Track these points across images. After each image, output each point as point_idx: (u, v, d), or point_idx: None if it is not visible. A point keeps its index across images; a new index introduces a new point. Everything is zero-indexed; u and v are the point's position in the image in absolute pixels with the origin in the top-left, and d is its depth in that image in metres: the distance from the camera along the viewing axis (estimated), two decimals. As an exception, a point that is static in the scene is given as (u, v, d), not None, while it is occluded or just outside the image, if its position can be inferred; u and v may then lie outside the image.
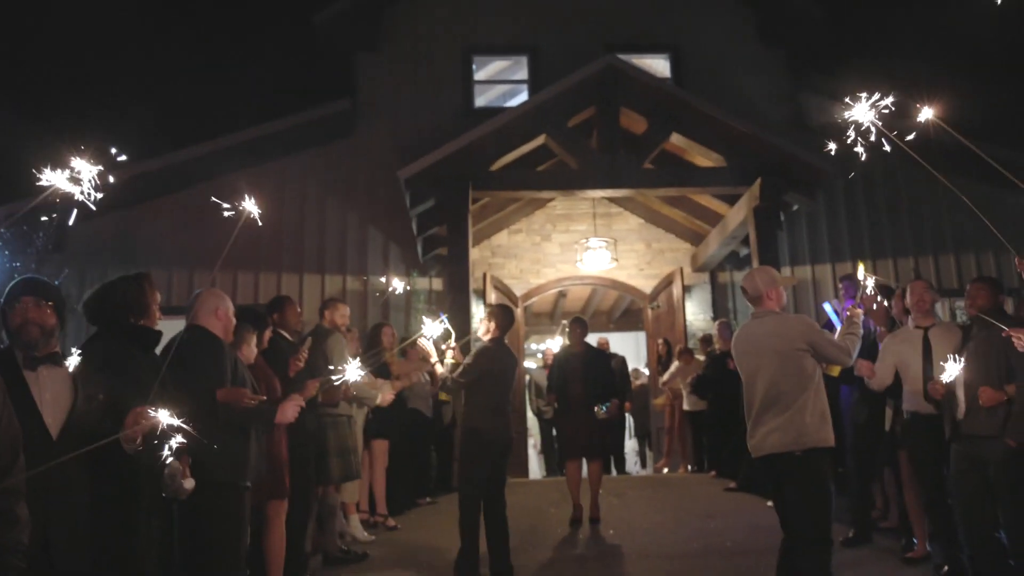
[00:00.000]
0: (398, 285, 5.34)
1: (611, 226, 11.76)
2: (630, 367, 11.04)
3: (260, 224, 3.23)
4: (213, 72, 13.58)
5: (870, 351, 5.27)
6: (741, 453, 7.66)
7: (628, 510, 7.21)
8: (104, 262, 9.44)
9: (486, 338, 5.67)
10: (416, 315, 10.41)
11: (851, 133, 3.28)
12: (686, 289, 11.24)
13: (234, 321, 3.85)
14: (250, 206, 2.98)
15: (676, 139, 9.62)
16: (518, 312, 10.81)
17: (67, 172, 2.29)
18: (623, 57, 9.81)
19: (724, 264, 11.40)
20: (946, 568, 4.82)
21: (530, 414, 11.32)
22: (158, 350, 3.43)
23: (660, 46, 11.92)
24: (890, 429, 5.53)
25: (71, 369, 2.79)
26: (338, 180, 11.01)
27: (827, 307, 4.30)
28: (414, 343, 7.45)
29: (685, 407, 9.64)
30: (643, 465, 12.43)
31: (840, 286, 6.35)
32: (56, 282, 3.04)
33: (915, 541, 5.33)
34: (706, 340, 9.97)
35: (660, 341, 11.09)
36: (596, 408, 6.70)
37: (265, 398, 3.77)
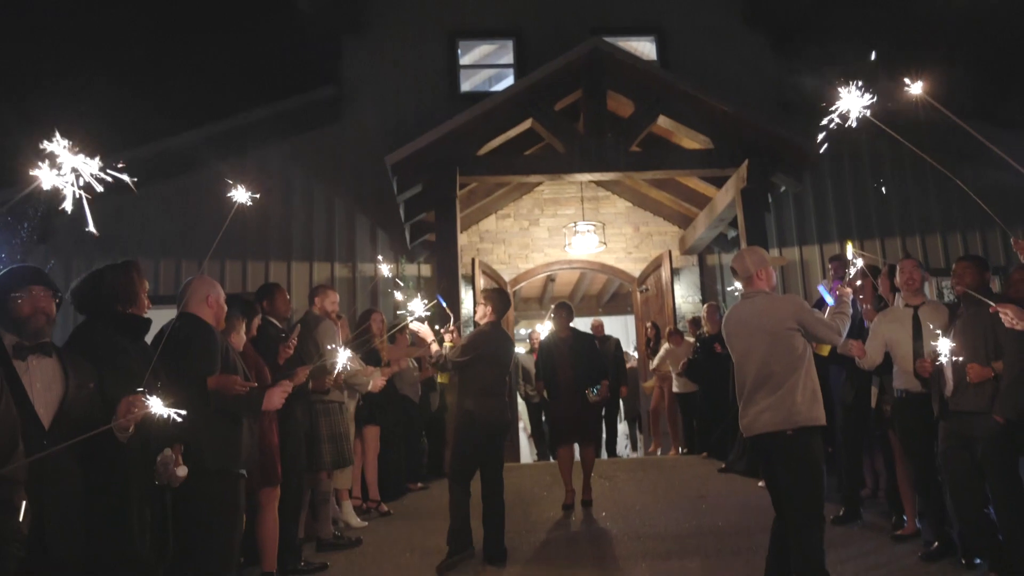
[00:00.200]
0: (386, 270, 5.33)
1: (599, 210, 11.76)
2: (620, 350, 11.08)
3: (249, 209, 3.20)
4: (196, 59, 13.45)
5: (857, 331, 5.30)
6: (732, 434, 7.75)
7: (620, 492, 7.24)
8: (89, 252, 9.36)
9: (483, 321, 5.67)
10: (405, 301, 10.38)
11: (836, 118, 3.27)
12: (674, 272, 11.26)
13: (225, 309, 3.83)
14: (242, 194, 2.92)
15: (663, 122, 9.61)
16: (507, 297, 10.79)
17: (53, 164, 2.24)
18: (609, 40, 9.77)
19: (712, 246, 11.43)
20: (935, 544, 4.88)
21: (519, 399, 11.34)
22: (148, 338, 3.41)
23: (645, 28, 11.90)
24: (876, 407, 5.58)
25: (60, 358, 2.77)
26: (324, 167, 10.96)
27: (821, 288, 4.32)
28: (402, 330, 7.47)
29: (675, 389, 9.68)
30: (634, 448, 12.49)
31: (829, 267, 6.39)
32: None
33: (904, 518, 5.41)
34: (695, 323, 10.00)
35: (648, 324, 11.13)
36: (587, 391, 6.71)
37: (256, 385, 3.75)
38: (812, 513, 3.84)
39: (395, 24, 11.61)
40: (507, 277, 11.29)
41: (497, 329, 5.67)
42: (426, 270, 10.97)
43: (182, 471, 3.04)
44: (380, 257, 5.80)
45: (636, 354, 12.09)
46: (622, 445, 12.41)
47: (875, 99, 3.23)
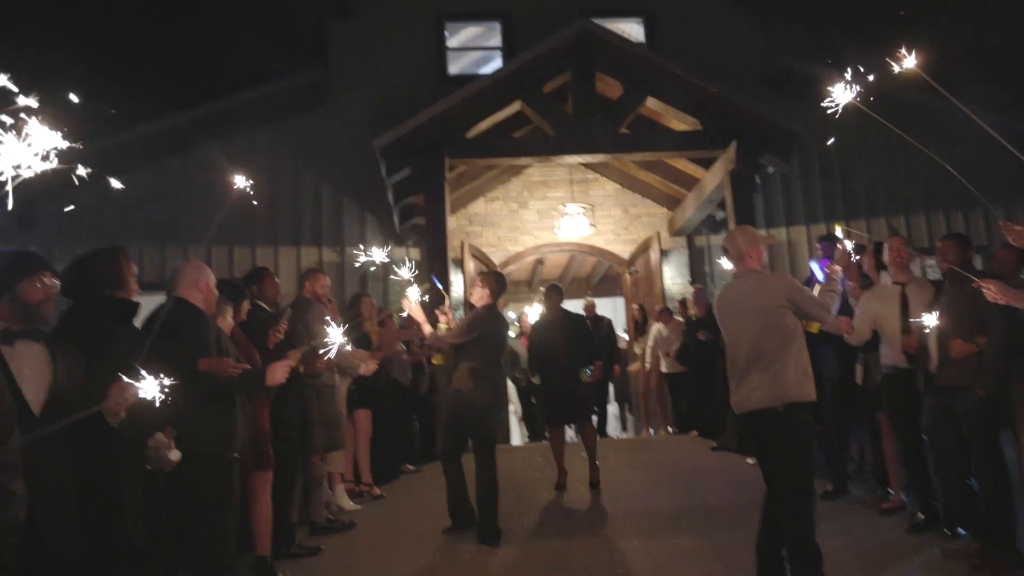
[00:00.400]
0: (379, 255, 5.34)
1: (588, 192, 11.76)
2: (609, 332, 11.10)
3: (236, 193, 3.20)
4: (180, 41, 13.30)
5: (842, 308, 5.35)
6: (723, 413, 7.80)
7: (611, 472, 7.28)
8: (72, 239, 9.28)
9: (480, 304, 5.69)
10: (394, 285, 10.37)
11: (833, 105, 3.28)
12: (663, 254, 11.29)
13: (216, 293, 3.82)
14: (242, 181, 2.91)
15: (652, 103, 9.61)
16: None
17: (36, 145, 2.20)
18: (597, 22, 9.73)
19: (701, 228, 11.46)
20: (921, 516, 4.98)
21: (509, 382, 11.38)
22: (137, 323, 3.40)
23: (634, 10, 11.86)
24: (861, 384, 5.64)
25: (47, 344, 2.75)
26: (311, 151, 10.89)
27: (813, 265, 4.38)
28: (390, 315, 7.47)
29: (664, 369, 9.72)
30: (623, 429, 12.55)
31: (818, 247, 6.42)
32: None
33: (891, 492, 5.52)
34: (683, 304, 10.04)
35: (635, 306, 11.17)
36: (581, 372, 6.72)
37: (248, 367, 3.75)
38: (803, 488, 3.89)
39: (381, 6, 11.53)
40: (496, 260, 11.29)
41: (494, 311, 5.74)
42: (415, 254, 10.95)
43: (175, 455, 3.04)
44: (371, 243, 5.80)
45: (626, 336, 12.13)
46: (612, 426, 12.48)
47: (864, 84, 3.24)
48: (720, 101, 9.15)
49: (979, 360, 4.31)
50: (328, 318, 5.18)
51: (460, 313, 9.22)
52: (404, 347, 7.60)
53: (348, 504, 6.22)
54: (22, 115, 2.10)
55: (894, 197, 11.17)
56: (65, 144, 2.13)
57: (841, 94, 3.31)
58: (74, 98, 2.27)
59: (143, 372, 2.61)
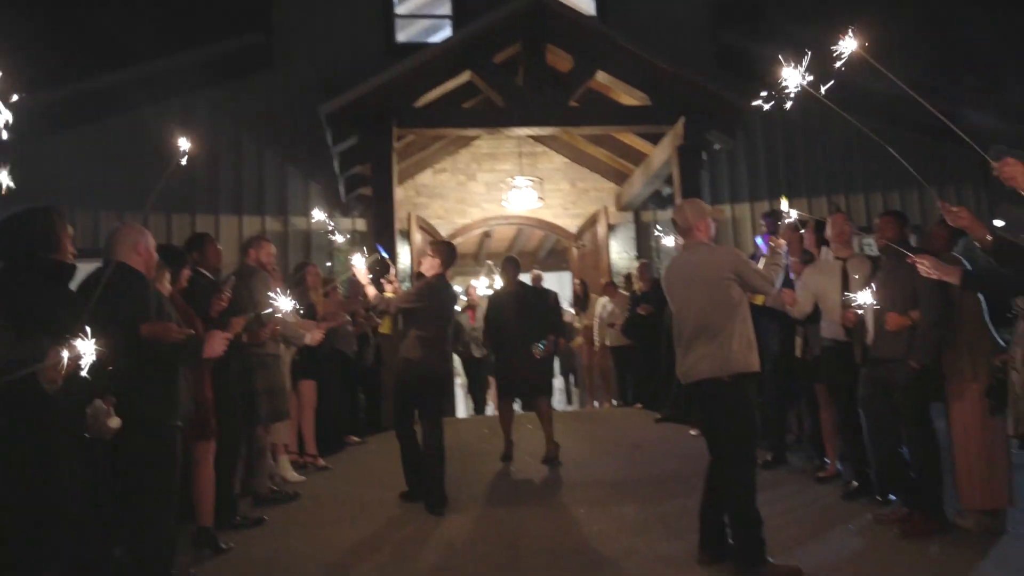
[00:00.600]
0: (330, 224, 5.29)
1: (536, 165, 11.74)
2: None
3: (174, 158, 3.10)
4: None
5: (784, 282, 5.47)
6: (666, 386, 7.93)
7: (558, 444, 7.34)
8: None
9: (430, 273, 5.66)
10: (339, 256, 10.24)
11: (776, 88, 3.31)
12: (611, 228, 11.38)
13: (156, 257, 3.70)
14: (185, 144, 2.81)
15: (601, 77, 9.61)
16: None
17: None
18: (548, -8, 9.65)
19: (648, 203, 11.55)
20: (854, 484, 5.17)
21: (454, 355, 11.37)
22: (72, 287, 3.26)
23: (585, -18, 11.80)
24: (801, 356, 5.80)
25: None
26: (254, 116, 10.62)
27: (759, 240, 4.47)
28: (335, 285, 7.39)
29: (608, 343, 9.81)
30: (568, 401, 12.67)
31: (762, 223, 6.53)
32: None
33: (827, 461, 5.70)
34: (629, 278, 10.14)
35: (577, 281, 11.24)
36: (534, 346, 6.69)
37: (193, 332, 3.65)
38: (745, 456, 3.99)
39: (327, -32, 11.25)
40: (444, 232, 11.21)
41: (443, 281, 5.72)
42: (361, 224, 10.81)
43: (115, 423, 2.95)
44: (316, 209, 5.71)
45: (572, 310, 12.21)
46: (558, 399, 12.58)
47: (810, 67, 3.27)
48: (669, 76, 9.19)
49: (913, 333, 4.45)
50: (273, 287, 5.09)
51: (406, 284, 9.15)
52: (349, 318, 7.52)
53: (292, 475, 6.15)
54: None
55: (835, 177, 11.41)
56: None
57: (791, 80, 3.34)
58: None
59: (81, 337, 2.51)
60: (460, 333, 10.50)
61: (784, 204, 4.68)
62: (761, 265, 4.31)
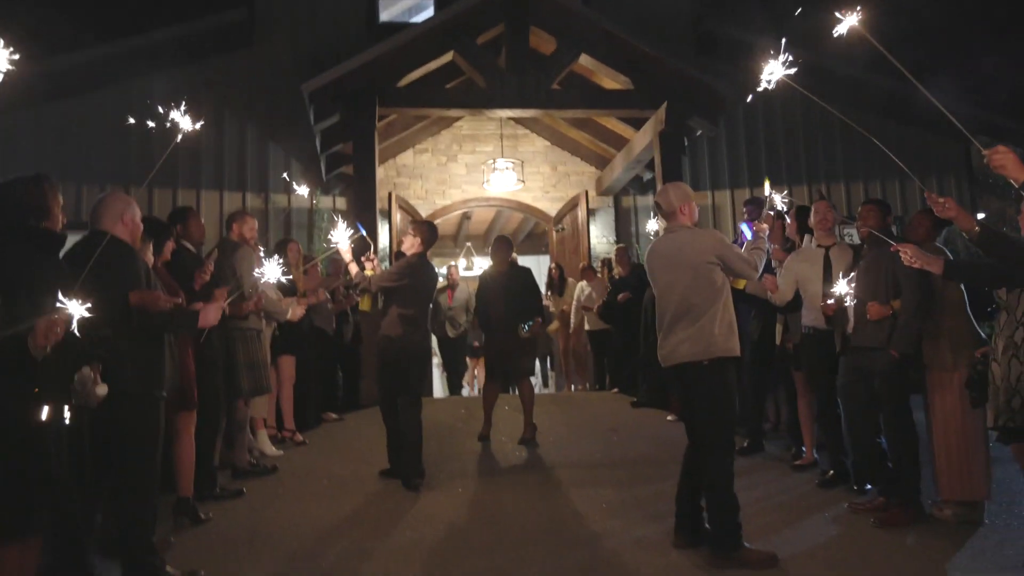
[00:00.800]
0: (305, 194, 5.26)
1: (517, 148, 11.74)
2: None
3: (155, 134, 3.10)
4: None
5: (764, 269, 5.51)
6: (643, 370, 8.00)
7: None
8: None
9: (410, 252, 5.67)
10: (319, 234, 10.19)
11: (761, 77, 3.34)
12: (590, 212, 11.40)
13: (141, 227, 3.67)
14: (186, 122, 2.79)
15: (585, 60, 9.60)
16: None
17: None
18: (533, -26, 9.62)
19: (628, 188, 11.59)
20: (831, 472, 5.21)
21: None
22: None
23: (569, -35, 11.74)
24: (780, 344, 5.85)
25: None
26: (236, 93, 10.50)
27: (743, 227, 4.49)
28: (315, 262, 7.36)
29: (586, 327, 9.86)
30: (545, 385, 12.72)
31: (744, 210, 6.58)
32: None
33: (803, 449, 5.73)
34: (607, 263, 10.18)
35: (553, 265, 11.25)
36: (520, 327, 6.68)
37: (181, 300, 3.64)
38: (723, 441, 4.02)
39: (311, -56, 11.12)
40: (424, 213, 11.19)
41: (424, 260, 5.75)
42: (341, 203, 10.76)
43: (102, 390, 2.94)
44: (296, 185, 5.67)
45: (549, 292, 12.25)
46: (534, 382, 12.63)
47: (795, 55, 3.30)
48: (653, 61, 9.21)
49: (893, 322, 4.49)
50: (256, 261, 5.07)
51: (386, 264, 9.14)
52: (329, 295, 7.50)
53: (270, 449, 6.15)
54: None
55: (816, 166, 11.47)
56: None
57: (775, 69, 3.37)
58: None
59: (70, 305, 2.50)
60: (436, 312, 10.51)
61: (767, 188, 4.72)
62: (744, 250, 4.36)
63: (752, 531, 4.06)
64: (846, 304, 4.58)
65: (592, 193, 11.61)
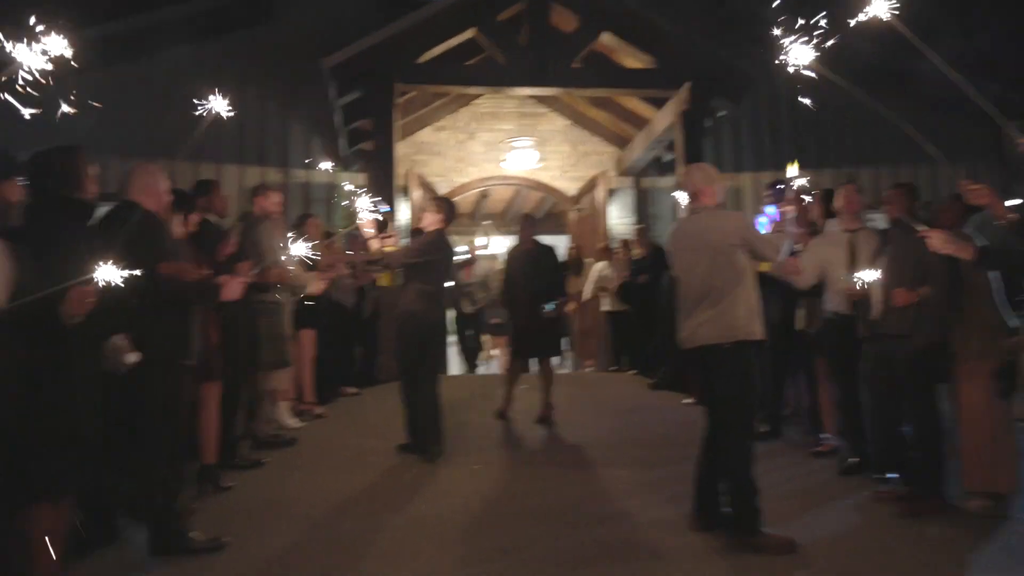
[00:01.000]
0: (329, 168, 5.32)
1: (537, 126, 11.69)
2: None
3: (178, 108, 3.12)
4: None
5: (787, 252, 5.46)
6: (661, 352, 7.99)
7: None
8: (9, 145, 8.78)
9: (431, 228, 5.70)
10: (338, 209, 10.21)
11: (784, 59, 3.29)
12: (610, 193, 11.35)
13: (168, 198, 3.70)
14: (219, 103, 2.80)
15: (606, 39, 9.53)
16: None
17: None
18: (555, -50, 9.53)
19: (648, 169, 11.53)
20: (852, 460, 5.11)
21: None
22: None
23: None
24: (802, 329, 5.80)
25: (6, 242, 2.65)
26: (256, 68, 10.45)
27: (769, 210, 4.44)
28: (335, 237, 7.38)
29: (604, 308, 9.86)
30: (560, 364, 12.73)
31: (767, 193, 6.49)
32: None
33: (824, 436, 5.62)
34: (625, 245, 10.14)
35: (572, 246, 11.23)
36: (544, 307, 6.64)
37: (209, 272, 3.67)
38: (743, 424, 4.00)
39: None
40: (442, 190, 11.15)
41: (444, 237, 5.75)
42: (361, 179, 10.75)
43: (132, 358, 2.98)
44: (321, 163, 5.71)
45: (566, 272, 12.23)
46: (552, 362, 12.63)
47: (821, 37, 3.25)
48: (676, 40, 9.13)
49: (919, 309, 4.42)
50: (278, 235, 5.10)
51: (404, 240, 9.14)
52: (349, 270, 7.53)
53: (290, 421, 6.22)
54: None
55: (843, 149, 11.28)
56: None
57: (801, 52, 3.32)
58: None
59: (102, 274, 2.53)
60: (454, 288, 10.53)
61: (793, 169, 4.65)
62: (768, 232, 4.32)
63: (771, 517, 4.00)
64: (870, 289, 4.54)
65: (611, 173, 11.55)
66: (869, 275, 4.37)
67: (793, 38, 3.29)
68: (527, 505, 4.61)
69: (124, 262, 2.67)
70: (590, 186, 11.47)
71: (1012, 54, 11.09)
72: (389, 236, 5.70)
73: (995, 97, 3.72)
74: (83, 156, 3.08)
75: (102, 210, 3.59)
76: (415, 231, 8.91)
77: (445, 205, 5.87)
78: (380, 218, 5.83)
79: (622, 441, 6.16)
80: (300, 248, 4.39)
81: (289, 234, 6.17)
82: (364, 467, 5.34)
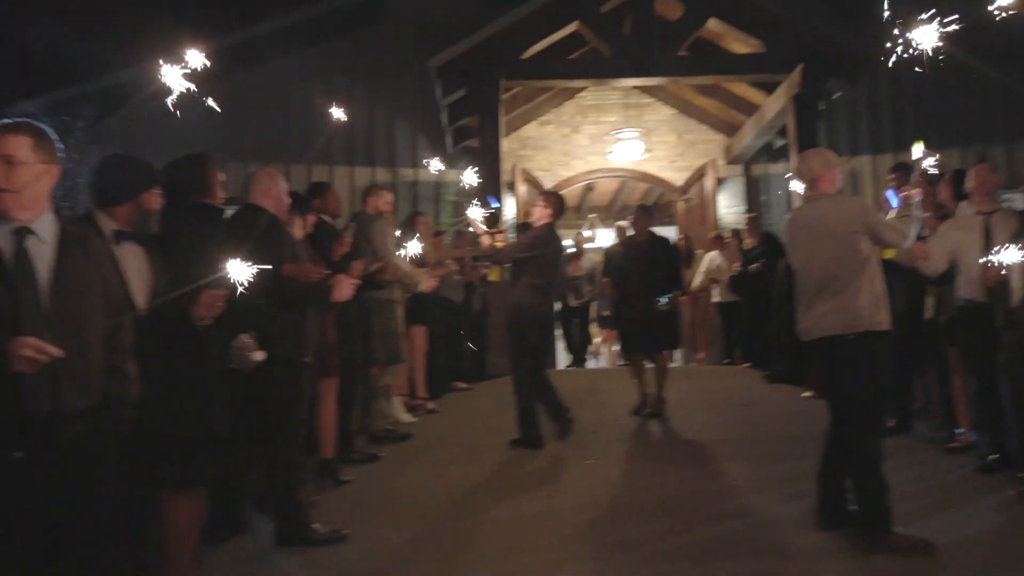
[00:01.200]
0: (437, 165, 5.45)
1: (642, 117, 11.53)
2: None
3: (291, 112, 3.24)
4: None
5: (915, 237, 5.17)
6: (776, 344, 7.73)
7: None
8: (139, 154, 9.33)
9: (540, 222, 5.75)
10: (446, 207, 10.38)
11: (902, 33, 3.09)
12: (719, 182, 11.08)
13: (287, 202, 3.84)
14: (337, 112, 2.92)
15: (712, 24, 9.31)
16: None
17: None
18: (657, -63, 9.36)
19: (759, 156, 11.18)
20: (992, 456, 4.78)
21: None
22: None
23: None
24: (932, 318, 5.46)
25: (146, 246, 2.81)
26: (363, 71, 10.75)
27: (889, 194, 4.20)
28: (442, 235, 7.51)
29: (715, 299, 9.64)
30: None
31: (890, 177, 6.15)
32: None
33: (959, 431, 5.27)
34: (736, 235, 9.87)
35: (681, 237, 11.00)
36: (658, 299, 6.51)
37: (329, 273, 3.80)
38: (870, 418, 3.82)
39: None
40: (547, 185, 11.15)
41: (553, 231, 5.80)
42: (468, 176, 10.86)
43: (259, 356, 3.12)
44: (432, 163, 5.82)
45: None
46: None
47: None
48: (786, 21, 8.81)
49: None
50: (391, 233, 5.22)
51: (512, 236, 9.20)
52: (458, 266, 7.64)
53: (404, 416, 6.36)
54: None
55: (972, 127, 10.43)
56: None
57: (926, 30, 3.12)
58: None
59: (230, 276, 2.64)
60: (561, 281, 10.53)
61: (919, 149, 4.40)
62: (892, 217, 4.12)
63: (901, 516, 3.77)
64: (1009, 274, 4.25)
65: (720, 162, 11.27)
66: (1009, 258, 4.06)
67: (916, 17, 3.09)
68: (643, 501, 4.55)
69: (249, 264, 2.78)
70: (698, 175, 11.23)
71: None
72: (499, 231, 5.75)
73: None
74: (212, 163, 3.24)
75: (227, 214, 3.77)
76: (522, 226, 8.95)
77: (554, 199, 5.91)
78: (490, 214, 5.91)
79: (738, 436, 6.00)
80: (412, 246, 4.49)
81: (399, 232, 6.35)
82: (477, 461, 5.39)
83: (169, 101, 2.33)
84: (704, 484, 4.85)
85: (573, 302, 10.65)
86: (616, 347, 10.10)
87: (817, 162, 4.14)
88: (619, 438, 6.11)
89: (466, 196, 5.56)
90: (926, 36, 3.11)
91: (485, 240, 5.76)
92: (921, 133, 10.30)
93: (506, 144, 10.58)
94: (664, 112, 11.64)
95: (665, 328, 6.72)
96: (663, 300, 6.52)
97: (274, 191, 3.77)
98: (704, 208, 11.12)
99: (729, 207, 11.18)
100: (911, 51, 3.16)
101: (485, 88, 9.00)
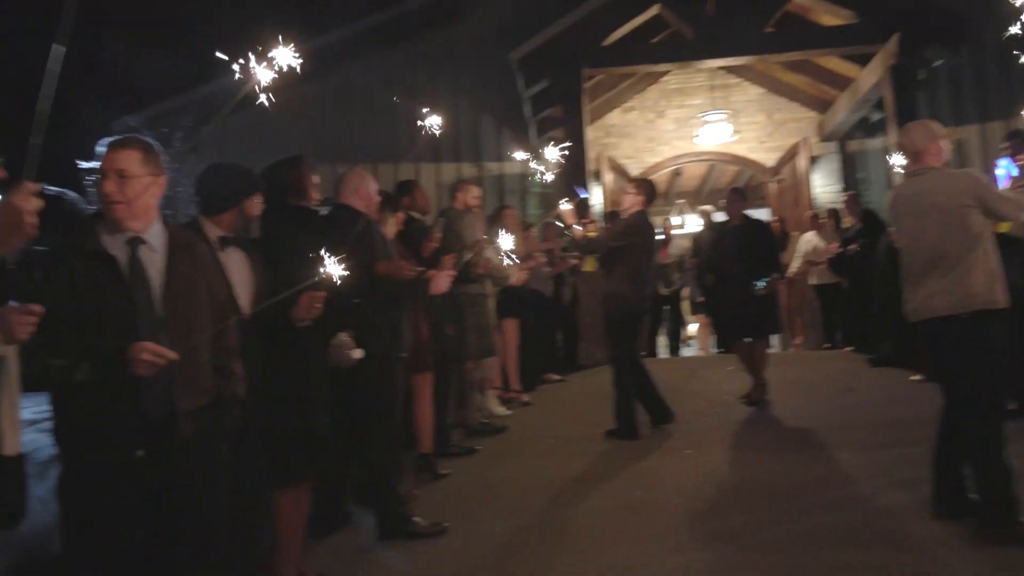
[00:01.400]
0: (525, 157, 5.48)
1: (729, 98, 11.26)
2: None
3: (377, 112, 3.28)
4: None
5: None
6: (880, 326, 7.43)
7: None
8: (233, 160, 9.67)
9: (632, 210, 5.73)
10: (533, 199, 10.37)
11: None
12: (812, 160, 10.71)
13: (377, 200, 3.90)
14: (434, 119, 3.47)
15: (800, -3, 8.99)
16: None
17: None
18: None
19: (854, 131, 10.76)
20: None
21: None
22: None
23: None
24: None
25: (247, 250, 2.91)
26: (445, 68, 10.83)
27: (1002, 163, 3.95)
28: (530, 227, 7.51)
29: (812, 281, 9.32)
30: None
31: (1004, 145, 5.81)
32: None
33: None
34: (832, 214, 9.50)
35: (776, 219, 10.66)
36: (756, 284, 6.36)
37: (423, 269, 3.85)
38: (989, 402, 3.63)
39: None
40: (633, 172, 11.03)
41: (646, 217, 5.77)
42: (554, 167, 10.83)
43: (358, 354, 3.18)
44: (522, 157, 5.83)
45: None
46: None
47: None
48: (881, -11, 8.44)
49: None
50: (480, 227, 5.26)
51: (601, 224, 9.13)
52: (546, 258, 7.63)
53: (499, 409, 6.40)
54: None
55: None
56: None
57: None
58: None
59: (327, 276, 2.70)
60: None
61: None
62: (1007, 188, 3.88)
63: (1027, 505, 3.60)
64: None
65: (813, 139, 10.89)
66: None
67: None
68: (745, 489, 4.45)
69: (346, 264, 2.83)
70: (790, 155, 10.88)
71: None
72: (590, 221, 5.74)
73: None
74: (307, 166, 3.31)
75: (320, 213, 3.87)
76: (610, 214, 8.87)
77: (645, 185, 5.90)
78: (578, 203, 5.90)
79: (843, 423, 5.78)
80: (502, 239, 4.50)
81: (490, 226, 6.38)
82: (573, 453, 5.38)
83: (263, 98, 2.37)
84: (809, 472, 4.69)
85: (663, 291, 10.49)
86: (711, 334, 9.92)
87: (921, 134, 3.95)
88: (717, 426, 5.99)
89: (553, 187, 5.54)
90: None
91: (577, 231, 5.74)
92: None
93: (590, 133, 10.49)
94: (752, 92, 11.34)
95: (764, 313, 6.56)
96: (761, 284, 6.35)
97: (364, 191, 3.83)
98: (797, 188, 10.77)
99: (824, 186, 10.81)
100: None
101: (567, 78, 8.96)
